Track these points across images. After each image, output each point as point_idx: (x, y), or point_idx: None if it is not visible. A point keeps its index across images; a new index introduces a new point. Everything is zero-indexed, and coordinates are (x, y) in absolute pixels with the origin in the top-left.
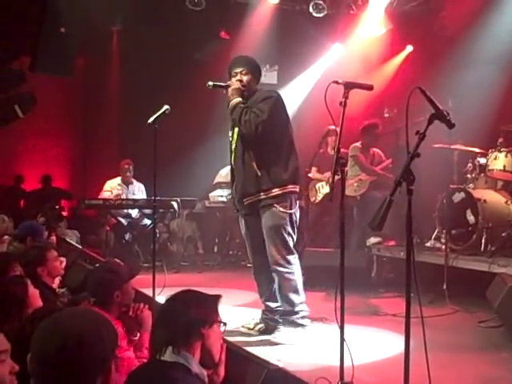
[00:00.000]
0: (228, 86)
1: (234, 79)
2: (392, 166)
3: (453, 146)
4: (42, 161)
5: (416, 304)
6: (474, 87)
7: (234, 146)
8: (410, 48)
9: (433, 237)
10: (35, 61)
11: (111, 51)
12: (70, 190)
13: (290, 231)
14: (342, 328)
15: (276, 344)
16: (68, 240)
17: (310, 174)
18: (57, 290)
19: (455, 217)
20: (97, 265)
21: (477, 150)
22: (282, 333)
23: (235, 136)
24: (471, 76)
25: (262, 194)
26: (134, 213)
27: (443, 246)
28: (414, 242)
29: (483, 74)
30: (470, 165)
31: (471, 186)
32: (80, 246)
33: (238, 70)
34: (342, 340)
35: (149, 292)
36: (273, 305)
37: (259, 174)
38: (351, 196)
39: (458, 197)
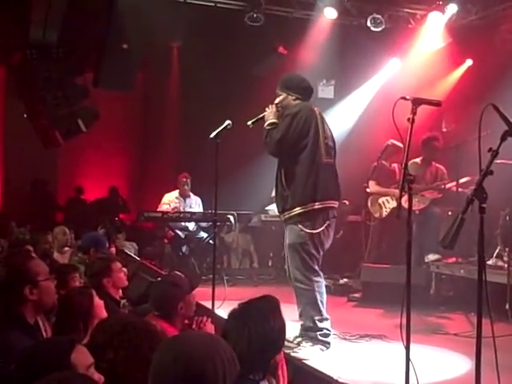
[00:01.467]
0: (263, 117)
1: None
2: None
3: None
4: (101, 173)
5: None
6: None
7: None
8: (469, 62)
9: (494, 255)
10: (98, 76)
11: (171, 66)
12: (129, 202)
13: (312, 251)
14: (407, 348)
15: (333, 360)
16: (127, 251)
17: (367, 189)
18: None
19: None
20: (158, 278)
21: None
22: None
23: None
24: None
25: (286, 213)
26: (191, 226)
27: (506, 265)
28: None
29: None
30: None
31: None
32: (138, 258)
33: (277, 91)
34: (408, 359)
35: (208, 305)
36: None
37: (285, 193)
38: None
39: None
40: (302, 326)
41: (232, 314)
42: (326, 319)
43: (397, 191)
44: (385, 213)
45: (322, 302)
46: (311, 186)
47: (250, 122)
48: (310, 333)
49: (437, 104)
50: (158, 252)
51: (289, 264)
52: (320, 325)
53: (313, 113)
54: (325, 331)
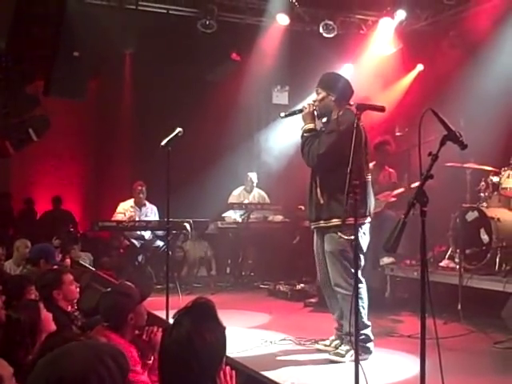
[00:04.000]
0: (301, 111)
1: (313, 98)
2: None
3: (465, 165)
4: (54, 183)
5: (431, 325)
6: (486, 105)
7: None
8: (420, 67)
9: (446, 256)
10: (49, 85)
11: (124, 74)
12: (84, 212)
13: (352, 257)
14: (356, 350)
15: (287, 366)
16: (82, 262)
17: None
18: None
19: (469, 236)
20: (108, 289)
21: (489, 168)
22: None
23: None
24: (482, 94)
25: (321, 222)
26: (147, 235)
27: (457, 266)
28: (428, 262)
29: (494, 92)
30: (482, 183)
31: (484, 204)
32: (93, 269)
33: (317, 88)
34: (357, 362)
35: (163, 315)
36: (343, 322)
37: (321, 202)
38: None
39: (472, 216)
40: (336, 329)
41: (166, 330)
42: (367, 326)
43: None
44: None
45: (362, 307)
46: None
47: (283, 114)
48: (350, 337)
49: (380, 109)
50: (114, 262)
51: (329, 270)
52: (360, 330)
53: (361, 130)
54: (364, 336)
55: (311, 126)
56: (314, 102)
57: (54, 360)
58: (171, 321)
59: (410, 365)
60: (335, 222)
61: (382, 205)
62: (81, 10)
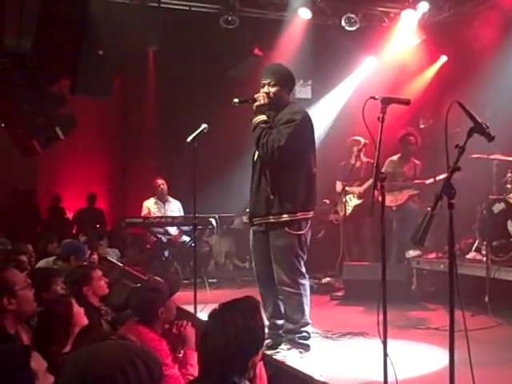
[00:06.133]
0: (254, 100)
1: (262, 90)
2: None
3: (491, 156)
4: (81, 180)
5: (459, 317)
6: (511, 96)
7: (255, 164)
8: (444, 58)
9: (473, 248)
10: (75, 83)
11: (147, 71)
12: (110, 209)
13: (299, 252)
14: (384, 343)
15: (314, 359)
16: (109, 258)
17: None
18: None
19: (496, 228)
20: (138, 284)
21: None
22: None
23: (256, 156)
24: (508, 84)
25: (271, 217)
26: (173, 230)
27: (484, 258)
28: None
29: None
30: (509, 175)
31: (511, 196)
32: (121, 264)
33: (266, 80)
34: (385, 355)
35: (190, 309)
36: (278, 322)
37: (271, 197)
38: (387, 206)
39: (498, 207)
40: (282, 326)
41: (211, 315)
42: (309, 323)
43: (358, 188)
44: (348, 211)
45: (307, 304)
46: (306, 196)
47: (236, 100)
48: (289, 335)
49: (406, 102)
50: (141, 258)
51: (274, 267)
52: (301, 328)
53: (312, 122)
54: (304, 334)
55: (264, 117)
56: (267, 93)
57: (82, 357)
58: (201, 315)
59: (438, 357)
60: (285, 217)
61: (405, 196)
62: (104, 9)
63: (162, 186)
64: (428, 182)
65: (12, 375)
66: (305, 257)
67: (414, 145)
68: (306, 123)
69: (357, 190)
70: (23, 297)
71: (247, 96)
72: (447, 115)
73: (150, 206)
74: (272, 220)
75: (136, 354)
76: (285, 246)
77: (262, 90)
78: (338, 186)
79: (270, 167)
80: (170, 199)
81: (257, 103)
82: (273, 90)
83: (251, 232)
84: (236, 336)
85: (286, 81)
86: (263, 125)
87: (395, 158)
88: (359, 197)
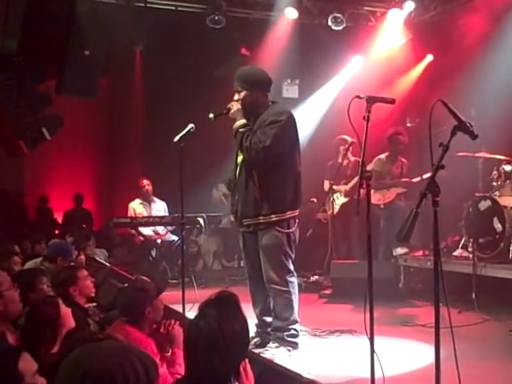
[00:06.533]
0: (228, 110)
1: (234, 98)
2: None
3: (477, 154)
4: (67, 181)
5: (445, 314)
6: (497, 94)
7: (239, 166)
8: (430, 57)
9: (460, 246)
10: (61, 83)
11: (134, 71)
12: (97, 209)
13: (288, 251)
14: (371, 339)
15: (302, 356)
16: (97, 259)
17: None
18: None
19: (482, 225)
20: (125, 284)
21: (501, 157)
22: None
23: (240, 157)
24: (493, 83)
25: (260, 217)
26: (160, 230)
27: (471, 255)
28: (441, 252)
29: (505, 80)
30: (495, 172)
31: (497, 193)
32: (108, 265)
33: (236, 88)
34: (372, 352)
35: (179, 308)
36: (268, 319)
37: (259, 198)
38: (375, 204)
39: (484, 205)
40: (256, 326)
41: (192, 322)
42: (296, 321)
43: (345, 187)
44: (336, 209)
45: (295, 302)
46: (294, 195)
47: (211, 115)
48: (278, 333)
49: (391, 102)
50: (128, 258)
51: (263, 266)
52: (289, 326)
53: (296, 121)
54: (292, 331)
55: (244, 121)
56: (237, 101)
57: (82, 356)
58: (189, 314)
59: (425, 353)
60: (275, 217)
61: (393, 195)
62: (90, 9)
63: (147, 187)
64: (415, 180)
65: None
66: (293, 255)
67: (402, 144)
68: (291, 123)
69: (343, 188)
70: (9, 297)
71: (221, 108)
72: (431, 114)
73: (135, 207)
74: (261, 220)
75: (134, 354)
76: (273, 245)
77: (235, 98)
78: (326, 185)
79: (257, 169)
80: (155, 199)
81: (232, 110)
82: (242, 96)
83: (239, 234)
84: (222, 339)
85: (254, 84)
86: (242, 129)
87: (383, 156)
88: (345, 195)
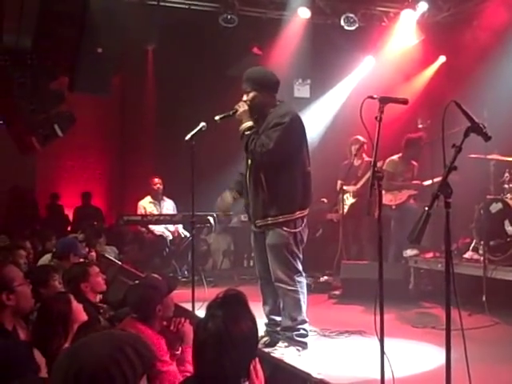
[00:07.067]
0: (235, 112)
1: (243, 98)
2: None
3: (489, 156)
4: (79, 178)
5: (456, 316)
6: (509, 96)
7: (248, 168)
8: (442, 58)
9: (470, 248)
10: (73, 81)
11: (146, 70)
12: (108, 206)
13: (295, 250)
14: (381, 341)
15: (312, 357)
16: (107, 256)
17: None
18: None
19: (493, 227)
20: (136, 281)
21: None
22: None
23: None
24: (506, 85)
25: (269, 218)
26: (171, 228)
27: (481, 258)
28: (452, 254)
29: None
30: (506, 175)
31: (509, 196)
32: (119, 262)
33: (244, 88)
34: (383, 353)
35: (188, 306)
36: (277, 318)
37: (268, 199)
38: (386, 204)
39: (496, 207)
40: (266, 325)
41: (200, 323)
42: (306, 321)
43: (353, 187)
44: (345, 209)
45: (304, 302)
46: (302, 196)
47: (217, 117)
48: (287, 333)
49: (403, 102)
50: (139, 255)
51: (270, 265)
52: (298, 325)
53: (302, 121)
54: (302, 331)
55: (250, 123)
56: (245, 101)
57: (74, 351)
58: (199, 313)
59: (435, 356)
60: (284, 217)
61: (404, 196)
62: (103, 7)
63: (158, 185)
64: (426, 183)
65: (18, 368)
66: (300, 255)
67: (422, 149)
68: (295, 124)
69: (352, 188)
70: (21, 293)
71: (227, 109)
72: (444, 114)
73: (145, 205)
74: (270, 222)
75: (125, 341)
76: (279, 244)
77: (243, 99)
78: (339, 185)
79: (264, 171)
80: (165, 198)
81: (239, 111)
82: (250, 96)
83: (252, 233)
84: (231, 340)
85: (262, 84)
86: (248, 132)
87: (395, 157)
88: (354, 195)
